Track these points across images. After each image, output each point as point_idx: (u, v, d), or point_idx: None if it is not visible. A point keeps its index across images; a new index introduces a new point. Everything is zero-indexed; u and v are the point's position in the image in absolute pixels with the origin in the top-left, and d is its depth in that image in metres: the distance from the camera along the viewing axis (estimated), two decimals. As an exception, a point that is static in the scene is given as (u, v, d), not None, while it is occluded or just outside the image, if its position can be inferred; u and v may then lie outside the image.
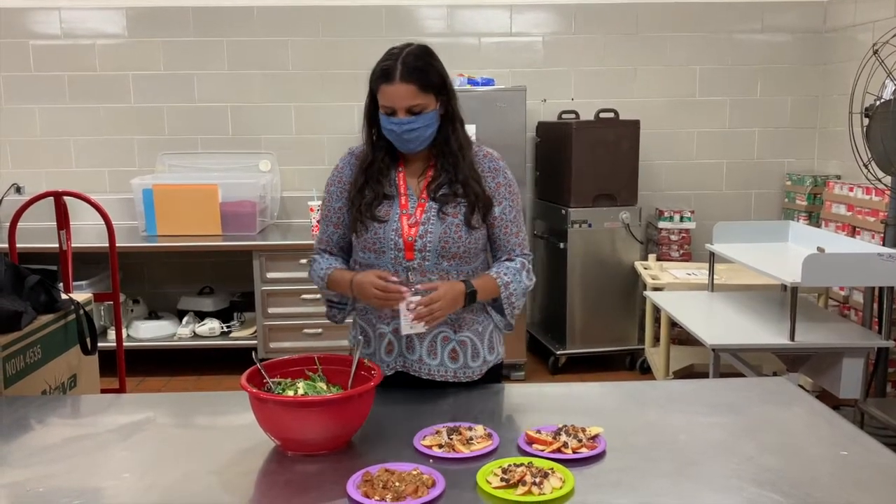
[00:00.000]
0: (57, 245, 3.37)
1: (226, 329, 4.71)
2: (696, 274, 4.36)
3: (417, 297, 1.87)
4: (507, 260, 2.04)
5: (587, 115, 4.78)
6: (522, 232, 2.08)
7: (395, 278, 1.89)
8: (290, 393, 1.72)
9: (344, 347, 2.26)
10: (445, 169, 1.98)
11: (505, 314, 2.03)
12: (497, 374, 2.14)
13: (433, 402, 1.95)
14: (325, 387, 1.77)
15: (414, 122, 1.90)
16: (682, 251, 4.91)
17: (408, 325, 1.89)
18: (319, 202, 3.87)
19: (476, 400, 1.99)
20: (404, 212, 1.97)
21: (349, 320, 2.16)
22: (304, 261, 4.23)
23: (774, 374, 3.75)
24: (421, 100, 1.89)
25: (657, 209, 5.00)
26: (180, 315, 4.82)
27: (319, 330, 4.44)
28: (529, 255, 2.09)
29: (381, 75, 1.89)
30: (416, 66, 1.89)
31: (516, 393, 2.13)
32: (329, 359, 1.86)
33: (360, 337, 2.02)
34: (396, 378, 2.02)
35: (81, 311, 2.59)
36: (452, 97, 1.97)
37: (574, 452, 1.62)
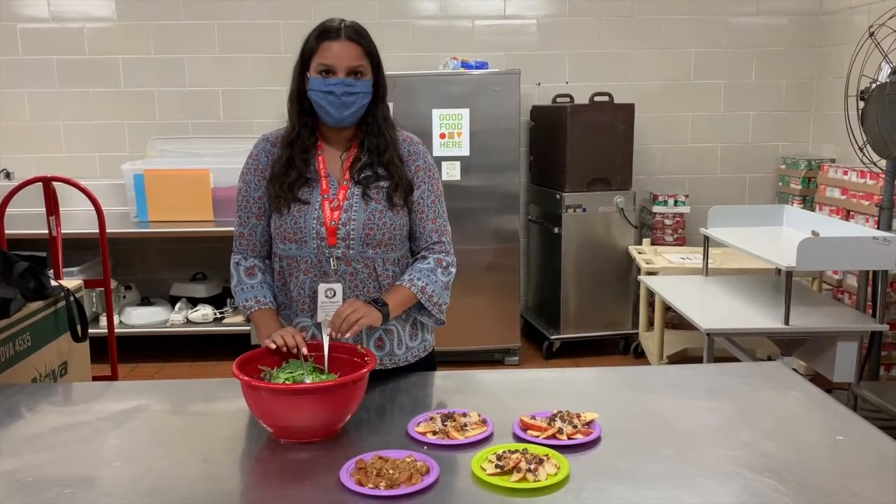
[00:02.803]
0: (46, 231, 3.34)
1: (219, 315, 4.69)
2: (690, 258, 4.36)
3: (339, 285, 1.87)
4: (419, 259, 1.98)
5: (582, 98, 4.75)
6: (440, 218, 2.01)
7: (305, 350, 1.78)
8: (299, 373, 1.71)
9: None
10: (369, 149, 1.93)
11: (433, 314, 1.99)
12: (430, 363, 2.10)
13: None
14: (317, 374, 1.75)
15: (355, 85, 1.85)
16: (676, 235, 4.90)
17: (322, 313, 1.88)
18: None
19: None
20: (325, 196, 1.91)
21: None
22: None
23: (769, 358, 3.76)
24: (363, 63, 1.87)
25: (651, 193, 4.99)
26: (173, 301, 4.79)
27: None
28: (446, 244, 2.01)
29: (324, 33, 1.86)
30: (359, 31, 1.89)
31: (511, 378, 2.12)
32: (318, 346, 1.83)
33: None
34: None
35: (72, 298, 2.57)
36: (383, 75, 1.93)
37: (569, 438, 1.61)
